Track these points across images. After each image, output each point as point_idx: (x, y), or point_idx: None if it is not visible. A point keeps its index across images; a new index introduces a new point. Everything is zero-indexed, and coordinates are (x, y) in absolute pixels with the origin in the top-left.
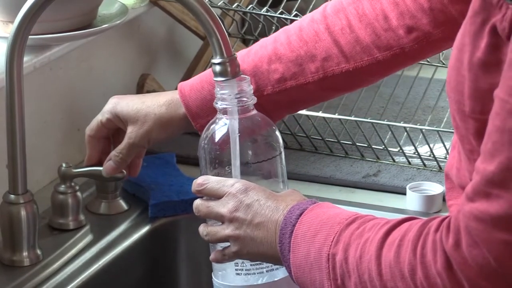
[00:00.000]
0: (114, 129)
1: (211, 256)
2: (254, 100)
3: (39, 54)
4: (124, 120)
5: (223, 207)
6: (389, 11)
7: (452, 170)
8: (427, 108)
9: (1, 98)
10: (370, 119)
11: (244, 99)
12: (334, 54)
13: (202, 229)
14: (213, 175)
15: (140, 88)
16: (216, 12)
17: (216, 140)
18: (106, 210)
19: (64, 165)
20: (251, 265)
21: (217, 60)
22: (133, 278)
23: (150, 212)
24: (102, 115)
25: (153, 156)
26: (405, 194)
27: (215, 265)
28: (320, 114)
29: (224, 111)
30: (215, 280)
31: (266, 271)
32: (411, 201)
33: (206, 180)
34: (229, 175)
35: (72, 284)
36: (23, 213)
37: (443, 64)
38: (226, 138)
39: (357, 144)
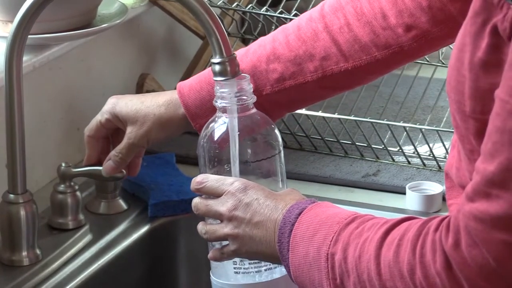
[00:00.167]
0: (113, 129)
1: (210, 254)
2: (254, 98)
3: (39, 54)
4: (124, 120)
5: (222, 206)
6: (387, 10)
7: (452, 170)
8: (427, 108)
9: (0, 97)
10: (370, 118)
11: (244, 98)
12: (332, 53)
13: (201, 227)
14: (212, 174)
15: (140, 87)
16: (216, 11)
17: (215, 138)
18: (105, 209)
19: (63, 164)
20: (249, 263)
21: (216, 59)
22: (133, 277)
23: (150, 211)
24: (101, 115)
25: (153, 156)
26: (404, 193)
27: (213, 263)
28: (320, 113)
29: (224, 110)
30: (213, 278)
31: (265, 270)
32: (411, 201)
33: (205, 179)
34: (228, 173)
35: (72, 284)
36: (22, 212)
37: (443, 63)
38: (225, 137)
39: (357, 143)
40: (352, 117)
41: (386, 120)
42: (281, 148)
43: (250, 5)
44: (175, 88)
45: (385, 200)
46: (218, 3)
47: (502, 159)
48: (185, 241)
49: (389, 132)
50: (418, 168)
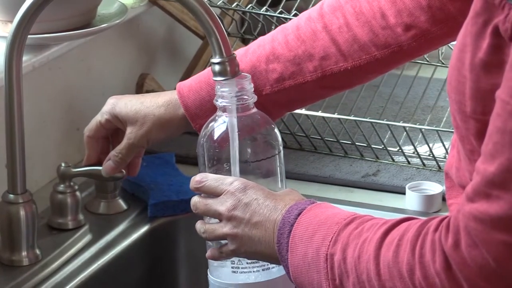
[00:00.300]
0: (113, 129)
1: (208, 253)
2: (254, 98)
3: (38, 54)
4: (123, 120)
5: (221, 205)
6: (386, 9)
7: (451, 169)
8: (427, 108)
9: (0, 97)
10: (370, 118)
11: (245, 97)
12: (332, 53)
13: (199, 226)
14: (211, 173)
15: (139, 87)
16: (216, 11)
17: (215, 137)
18: (105, 209)
19: (63, 164)
20: (247, 263)
21: (216, 59)
22: (133, 277)
23: (149, 211)
24: (101, 116)
25: (153, 156)
26: (404, 193)
27: (211, 262)
28: (320, 113)
29: (224, 109)
30: (211, 277)
31: (263, 269)
32: (411, 201)
33: (205, 178)
34: (227, 172)
35: (71, 284)
36: (22, 212)
37: (443, 63)
38: (225, 136)
39: (357, 143)
40: (352, 117)
41: (386, 120)
42: (281, 148)
43: (250, 5)
44: (174, 88)
45: (385, 200)
46: (218, 3)
47: (503, 160)
48: (185, 241)
49: (389, 132)
50: (418, 168)
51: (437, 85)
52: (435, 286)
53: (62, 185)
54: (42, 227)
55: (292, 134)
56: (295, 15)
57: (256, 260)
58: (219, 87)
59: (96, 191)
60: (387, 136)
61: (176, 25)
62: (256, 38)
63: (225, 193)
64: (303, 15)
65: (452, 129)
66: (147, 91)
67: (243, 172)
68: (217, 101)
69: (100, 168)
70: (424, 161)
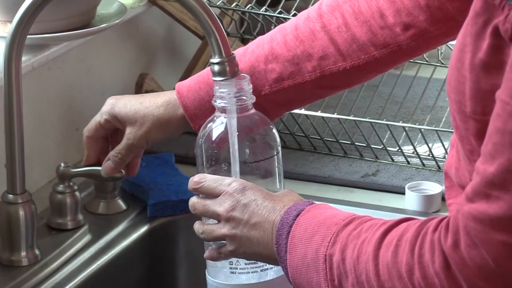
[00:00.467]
0: (112, 130)
1: (206, 254)
2: (253, 99)
3: (38, 54)
4: (122, 121)
5: (219, 206)
6: (385, 9)
7: (451, 169)
8: (426, 108)
9: None
10: (369, 118)
11: (243, 98)
12: (330, 53)
13: (198, 226)
14: (209, 173)
15: (139, 87)
16: (215, 11)
17: (214, 138)
18: (104, 210)
19: (62, 164)
20: (245, 264)
21: (215, 59)
22: (132, 277)
23: (149, 211)
24: (100, 116)
25: (152, 156)
26: (404, 193)
27: (209, 263)
28: (319, 113)
29: (223, 110)
30: (209, 278)
31: (261, 270)
32: (410, 201)
33: (203, 179)
34: (225, 173)
35: (71, 284)
36: (21, 213)
37: (442, 63)
38: (223, 137)
39: (356, 143)
40: (351, 117)
41: (386, 120)
42: (280, 149)
43: (249, 5)
44: (174, 88)
45: (385, 200)
46: (217, 3)
47: (503, 160)
48: (184, 241)
49: (389, 132)
50: (418, 168)
51: (437, 85)
52: (434, 286)
53: (61, 185)
54: (41, 227)
55: (291, 134)
56: (294, 15)
57: (254, 261)
58: (217, 88)
59: (95, 191)
60: (386, 136)
61: (175, 25)
62: (255, 38)
63: (223, 194)
64: (302, 15)
65: (452, 129)
66: (147, 91)
67: (242, 173)
68: (215, 101)
69: (99, 168)
70: (423, 161)
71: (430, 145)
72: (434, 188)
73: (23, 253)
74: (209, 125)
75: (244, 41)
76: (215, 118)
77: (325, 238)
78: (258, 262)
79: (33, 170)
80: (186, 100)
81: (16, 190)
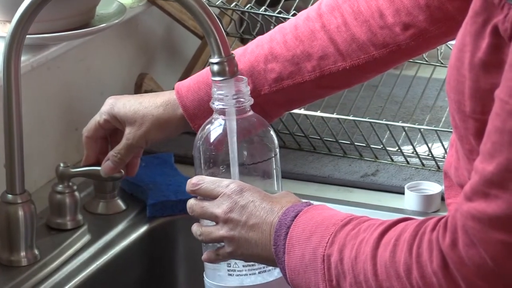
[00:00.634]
0: (112, 130)
1: (204, 256)
2: (251, 101)
3: (37, 54)
4: (122, 121)
5: (217, 208)
6: (384, 8)
7: (450, 169)
8: (426, 108)
9: None
10: (369, 118)
11: (241, 100)
12: (330, 53)
13: (196, 228)
14: (207, 175)
15: (138, 87)
16: (214, 11)
17: (212, 140)
18: (104, 210)
19: (62, 164)
20: (243, 266)
21: (215, 59)
22: (131, 277)
23: (148, 211)
24: (100, 116)
25: (151, 156)
26: (403, 193)
27: (207, 265)
28: (319, 113)
29: (221, 112)
30: (207, 280)
31: (259, 272)
32: (410, 201)
33: (201, 180)
34: (223, 175)
35: (70, 284)
36: (20, 213)
37: (442, 63)
38: (221, 138)
39: (356, 143)
40: (351, 117)
41: (385, 120)
42: (277, 150)
43: (249, 5)
44: (173, 88)
45: (384, 200)
46: (217, 3)
47: (502, 160)
48: (184, 241)
49: (388, 132)
50: (417, 168)
51: (436, 85)
52: (433, 286)
53: (60, 185)
54: (40, 227)
55: (291, 134)
56: (294, 15)
57: (252, 263)
58: (215, 89)
59: (95, 191)
60: (386, 136)
61: (175, 25)
62: (255, 38)
63: (221, 196)
64: (301, 14)
65: (451, 129)
66: (146, 91)
67: (240, 175)
68: (213, 103)
69: (98, 168)
70: (423, 161)
71: (429, 145)
72: (433, 188)
73: (23, 253)
74: (207, 127)
75: (244, 41)
76: (213, 120)
77: (323, 239)
78: (256, 264)
79: (32, 170)
80: (186, 100)
81: (16, 190)
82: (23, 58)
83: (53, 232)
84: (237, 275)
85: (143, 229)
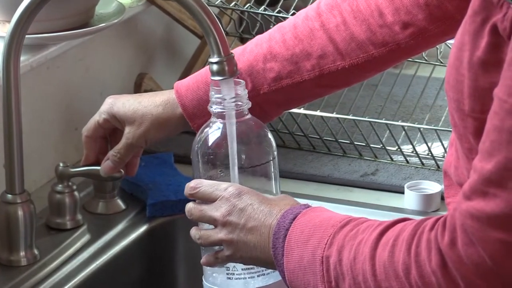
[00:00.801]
0: (111, 129)
1: (203, 260)
2: (248, 104)
3: (36, 54)
4: (121, 120)
5: (216, 211)
6: (384, 7)
7: (450, 168)
8: (425, 107)
9: None
10: (368, 118)
11: (239, 103)
12: (329, 52)
13: (194, 232)
14: (206, 179)
15: (138, 87)
16: (214, 11)
17: (210, 143)
18: (103, 209)
19: (61, 164)
20: (242, 269)
21: (214, 59)
22: (131, 277)
23: (148, 211)
24: (99, 116)
25: (151, 156)
26: (403, 193)
27: (206, 269)
28: (318, 113)
29: (218, 115)
30: (206, 284)
31: (258, 275)
32: (409, 200)
33: (199, 184)
34: (222, 178)
35: (70, 284)
36: (20, 212)
37: (441, 62)
38: (219, 142)
39: (355, 143)
40: (350, 117)
41: (385, 120)
42: (275, 153)
43: (248, 4)
44: (173, 88)
45: (384, 200)
46: (216, 2)
47: (500, 158)
48: (183, 241)
49: (388, 131)
50: (417, 167)
51: (436, 84)
52: (431, 285)
53: (60, 185)
54: (40, 227)
55: (290, 133)
56: (293, 14)
57: (251, 266)
58: (213, 93)
59: (94, 191)
60: (385, 135)
61: (174, 25)
62: (254, 37)
63: (220, 199)
64: (300, 13)
65: (451, 128)
66: (146, 91)
67: (238, 178)
68: (211, 107)
69: (98, 168)
70: (422, 160)
71: (429, 144)
72: (433, 187)
73: (22, 253)
74: (205, 130)
75: (243, 41)
76: (211, 123)
77: (322, 240)
78: (255, 267)
79: (32, 170)
80: (185, 99)
81: (15, 190)
82: (22, 58)
83: (53, 232)
84: (236, 279)
85: (142, 229)
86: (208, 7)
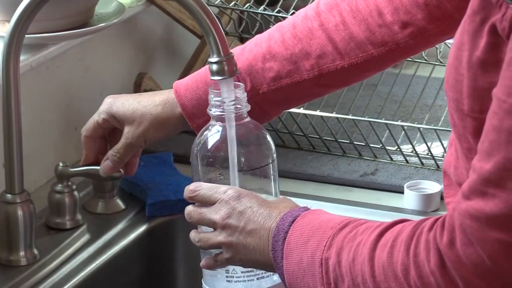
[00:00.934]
0: (111, 129)
1: (202, 263)
2: (248, 107)
3: (36, 53)
4: (121, 120)
5: (215, 214)
6: (383, 7)
7: (449, 168)
8: (425, 107)
9: None
10: (368, 117)
11: (238, 106)
12: (328, 51)
13: (194, 235)
14: (205, 182)
15: (137, 87)
16: (213, 10)
17: (209, 147)
18: (103, 209)
19: (61, 164)
20: (242, 272)
21: (214, 59)
22: (130, 277)
23: (147, 211)
24: (98, 115)
25: (151, 156)
26: (402, 193)
27: (206, 271)
28: (318, 113)
29: (218, 118)
30: (205, 286)
31: (257, 278)
32: (409, 200)
33: (199, 187)
34: (221, 181)
35: (69, 284)
36: (19, 212)
37: (441, 62)
38: (219, 145)
39: (355, 142)
40: (350, 116)
41: (384, 119)
42: (275, 156)
43: (248, 4)
44: (172, 88)
45: (383, 199)
46: (216, 2)
47: (499, 158)
48: (183, 241)
49: (387, 131)
50: (416, 167)
51: (436, 84)
52: (430, 285)
53: (60, 185)
54: (40, 227)
55: (290, 133)
56: (293, 14)
57: (251, 269)
58: (212, 96)
59: (94, 190)
60: (385, 135)
61: (174, 24)
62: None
63: (219, 202)
64: (300, 13)
65: (450, 128)
66: (145, 91)
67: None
68: (210, 110)
69: (98, 167)
70: (422, 160)
71: (429, 144)
72: (433, 187)
73: (22, 253)
74: (204, 133)
75: (243, 40)
76: (210, 127)
77: (321, 242)
78: (255, 271)
79: (31, 170)
80: (184, 99)
81: (15, 189)
82: (22, 57)
83: (52, 232)
84: (236, 281)
85: (142, 228)
86: (208, 7)
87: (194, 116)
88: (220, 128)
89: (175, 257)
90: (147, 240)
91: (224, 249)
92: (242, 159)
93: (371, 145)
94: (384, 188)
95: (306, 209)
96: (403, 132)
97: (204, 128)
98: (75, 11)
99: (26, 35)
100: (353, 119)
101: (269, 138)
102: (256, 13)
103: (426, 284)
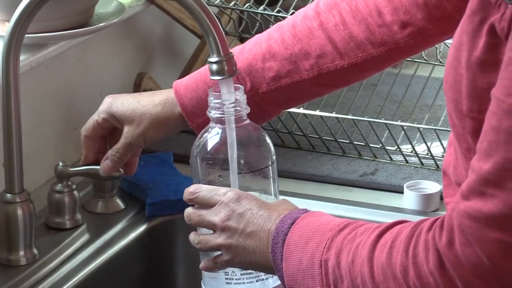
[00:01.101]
0: (110, 129)
1: (202, 264)
2: (247, 109)
3: (36, 53)
4: (120, 119)
5: (215, 216)
6: (382, 7)
7: (449, 168)
8: (425, 107)
9: None
10: (368, 117)
11: (238, 109)
12: (328, 51)
13: (193, 237)
14: (205, 184)
15: (137, 87)
16: (213, 10)
17: (209, 149)
18: (103, 209)
19: (60, 164)
20: (241, 274)
21: (214, 59)
22: (130, 277)
23: (147, 211)
24: (98, 115)
25: (150, 155)
26: (402, 192)
27: (205, 273)
28: (318, 112)
29: (217, 120)
30: None
31: (256, 280)
32: (409, 200)
33: (198, 189)
34: (221, 183)
35: (69, 284)
36: (19, 212)
37: (441, 62)
38: (218, 147)
39: (355, 142)
40: (349, 116)
41: (384, 119)
42: (274, 158)
43: (248, 4)
44: (172, 87)
45: (383, 199)
46: (216, 2)
47: (498, 158)
48: (183, 241)
49: (387, 131)
50: (416, 167)
51: (435, 84)
52: (429, 286)
53: (59, 185)
54: (39, 227)
55: (290, 133)
56: (293, 14)
57: (250, 271)
58: (212, 98)
59: (93, 190)
60: (385, 135)
61: (173, 24)
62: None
63: (218, 204)
64: (299, 13)
65: (450, 128)
66: (145, 90)
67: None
68: (210, 112)
69: (97, 167)
70: (422, 160)
71: (428, 144)
72: (432, 187)
73: (21, 253)
74: (204, 135)
75: (243, 40)
76: (210, 129)
77: (320, 244)
78: (254, 272)
79: (31, 169)
80: (184, 98)
81: (14, 189)
82: (22, 57)
83: (52, 232)
84: (235, 284)
85: (142, 228)
86: (208, 7)
87: (193, 116)
88: (220, 130)
89: (175, 257)
90: (147, 240)
91: (224, 251)
92: (242, 161)
93: (370, 145)
94: (383, 188)
95: (305, 211)
96: (403, 132)
97: (203, 130)
98: (75, 11)
99: (26, 35)
100: (353, 119)
101: (268, 140)
102: (256, 13)
103: (425, 284)
